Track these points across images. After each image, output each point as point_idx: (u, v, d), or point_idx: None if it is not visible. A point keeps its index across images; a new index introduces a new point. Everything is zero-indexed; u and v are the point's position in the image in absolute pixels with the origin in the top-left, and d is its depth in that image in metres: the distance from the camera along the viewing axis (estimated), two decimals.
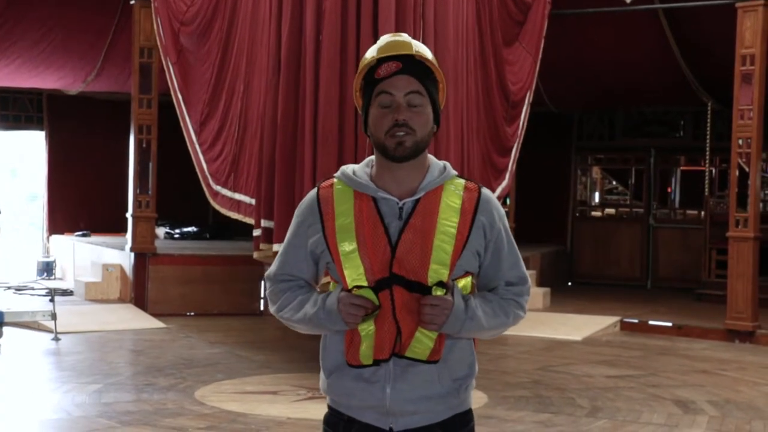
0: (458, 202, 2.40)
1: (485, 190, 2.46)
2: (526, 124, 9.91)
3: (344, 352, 2.40)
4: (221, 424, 6.12)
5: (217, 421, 6.19)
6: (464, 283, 2.42)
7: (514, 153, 9.74)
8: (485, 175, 9.21)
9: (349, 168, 2.49)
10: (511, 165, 9.74)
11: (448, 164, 2.48)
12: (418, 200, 2.39)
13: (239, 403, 6.72)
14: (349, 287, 2.38)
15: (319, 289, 2.53)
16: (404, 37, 2.46)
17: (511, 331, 10.50)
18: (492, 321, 2.42)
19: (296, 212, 2.52)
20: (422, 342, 2.36)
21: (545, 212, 15.35)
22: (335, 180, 2.47)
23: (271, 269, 2.56)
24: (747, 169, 9.91)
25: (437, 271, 2.35)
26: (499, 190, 9.48)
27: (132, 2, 11.14)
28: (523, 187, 13.32)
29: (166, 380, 7.41)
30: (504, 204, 12.22)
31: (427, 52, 2.44)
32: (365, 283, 2.36)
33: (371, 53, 2.44)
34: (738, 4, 9.92)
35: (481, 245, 2.43)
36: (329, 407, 2.51)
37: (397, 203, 2.39)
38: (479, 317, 2.38)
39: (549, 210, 15.51)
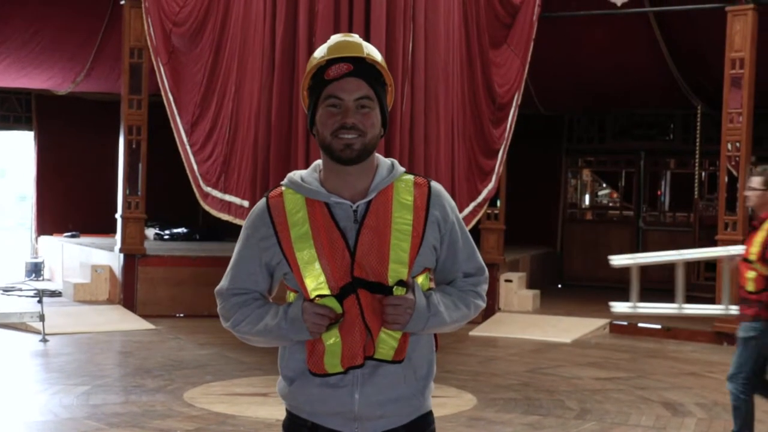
0: (410, 199, 2.38)
1: (434, 184, 2.44)
2: (513, 126, 9.89)
3: (306, 360, 2.37)
4: (210, 426, 6.11)
5: (205, 423, 6.18)
6: (421, 279, 2.41)
7: (501, 155, 9.72)
8: (471, 177, 9.20)
9: (296, 174, 2.45)
10: (498, 167, 9.73)
11: (395, 162, 2.45)
12: (371, 201, 2.37)
13: (228, 404, 6.70)
14: (311, 297, 2.33)
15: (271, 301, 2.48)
16: (355, 38, 2.42)
17: (500, 333, 10.41)
18: (454, 314, 2.41)
19: (245, 224, 2.47)
20: (386, 342, 2.34)
21: (535, 214, 15.35)
22: (284, 188, 2.43)
23: (221, 284, 2.46)
24: (736, 173, 9.94)
25: (396, 270, 2.33)
26: (485, 192, 9.47)
27: (122, 2, 11.10)
28: (513, 189, 13.30)
29: (155, 382, 7.39)
30: (494, 206, 12.20)
31: (377, 55, 2.40)
32: (327, 292, 2.33)
33: (321, 52, 2.38)
34: (728, 8, 9.96)
35: (437, 239, 2.41)
36: (288, 412, 2.46)
37: (351, 206, 2.35)
38: (441, 312, 2.37)
39: (539, 212, 15.51)
